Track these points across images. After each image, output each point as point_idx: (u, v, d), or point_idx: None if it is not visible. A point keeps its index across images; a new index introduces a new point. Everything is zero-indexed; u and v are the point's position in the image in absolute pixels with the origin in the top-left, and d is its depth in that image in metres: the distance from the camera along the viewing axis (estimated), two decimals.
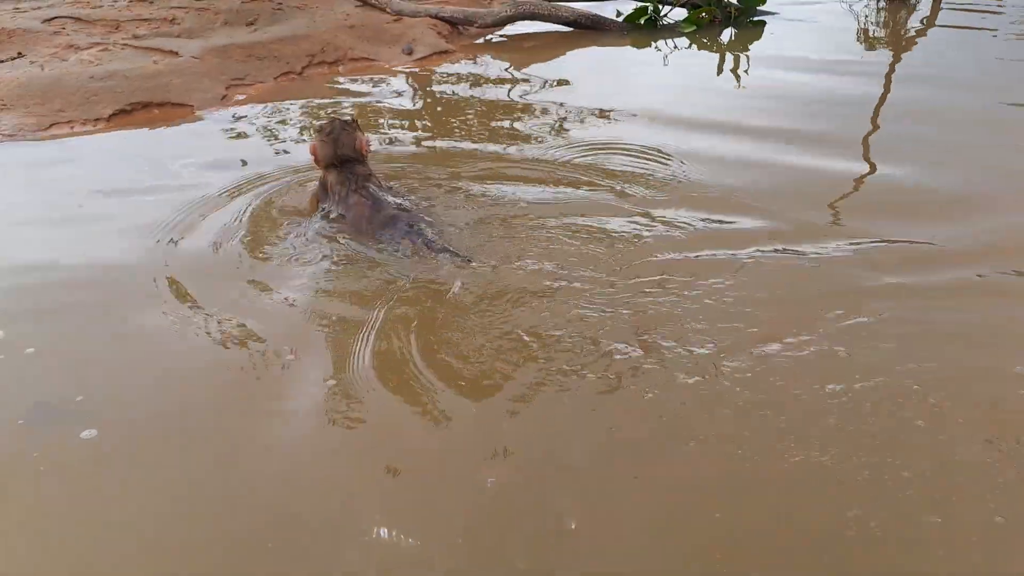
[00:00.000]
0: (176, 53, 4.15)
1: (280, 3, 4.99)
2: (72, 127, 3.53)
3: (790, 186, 2.62)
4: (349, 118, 2.71)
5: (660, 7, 4.86)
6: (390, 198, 2.49)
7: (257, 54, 4.19)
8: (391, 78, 4.11)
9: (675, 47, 4.60)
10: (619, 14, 5.11)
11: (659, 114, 3.40)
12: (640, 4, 4.87)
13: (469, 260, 2.18)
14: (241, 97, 3.86)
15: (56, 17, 4.76)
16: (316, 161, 2.61)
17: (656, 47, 4.60)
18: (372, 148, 2.71)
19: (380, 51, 4.43)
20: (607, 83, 3.99)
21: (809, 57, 4.19)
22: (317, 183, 2.64)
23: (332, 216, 2.48)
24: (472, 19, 4.80)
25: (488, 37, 4.90)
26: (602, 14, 4.87)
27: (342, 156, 2.57)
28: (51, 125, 3.53)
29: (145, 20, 4.73)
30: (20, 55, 4.28)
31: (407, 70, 4.22)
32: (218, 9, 4.87)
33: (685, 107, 3.52)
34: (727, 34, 4.76)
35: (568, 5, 4.85)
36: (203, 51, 4.11)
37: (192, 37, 4.50)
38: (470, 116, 3.55)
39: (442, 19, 4.78)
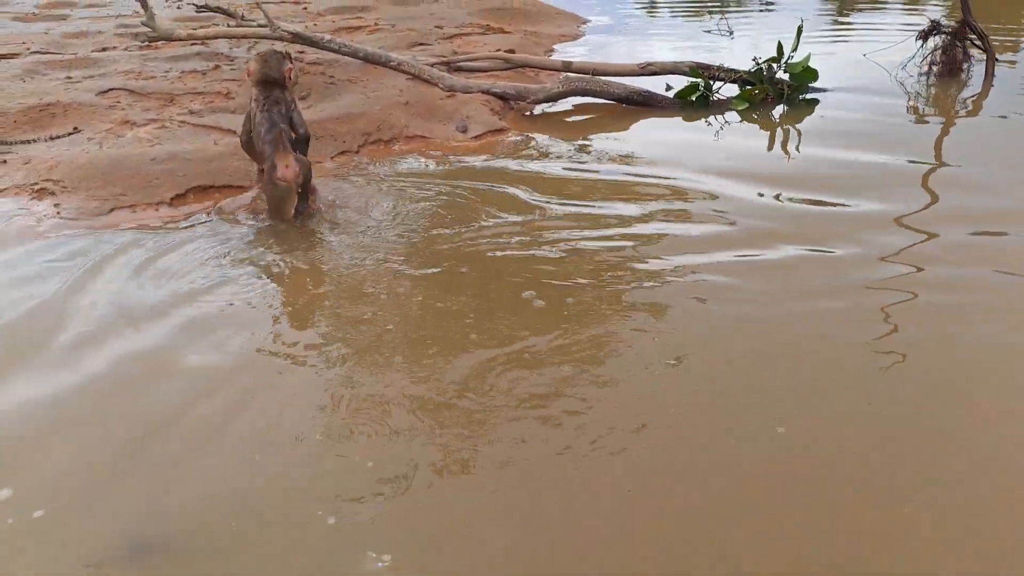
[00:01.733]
0: (234, 132, 4.14)
1: (332, 77, 5.01)
2: (134, 211, 3.52)
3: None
4: (283, 51, 3.48)
5: (711, 83, 4.85)
6: (283, 124, 3.27)
7: (314, 133, 4.17)
8: (450, 156, 4.09)
9: (726, 122, 4.58)
10: (668, 88, 5.10)
11: (720, 173, 3.38)
12: (691, 81, 4.86)
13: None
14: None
15: (110, 89, 4.79)
16: (248, 75, 3.37)
17: (708, 122, 4.58)
18: (295, 76, 3.42)
19: (435, 128, 4.43)
20: (668, 154, 3.96)
21: (860, 132, 4.19)
22: None
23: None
24: (524, 95, 4.80)
25: (537, 112, 4.88)
26: (652, 90, 4.86)
27: (267, 75, 3.31)
28: (112, 209, 3.51)
29: (199, 94, 4.75)
30: (76, 130, 4.29)
31: (464, 147, 4.20)
32: None
33: (745, 170, 3.48)
34: (780, 111, 4.74)
35: (619, 82, 4.85)
36: None
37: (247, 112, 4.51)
38: (537, 192, 3.51)
39: (494, 95, 4.77)
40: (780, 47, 4.79)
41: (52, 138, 4.19)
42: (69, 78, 5.12)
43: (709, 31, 6.74)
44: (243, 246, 3.14)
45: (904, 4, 9.38)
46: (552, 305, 2.61)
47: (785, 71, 4.82)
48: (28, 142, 4.16)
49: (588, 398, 2.12)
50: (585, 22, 7.33)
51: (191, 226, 3.33)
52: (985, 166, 3.76)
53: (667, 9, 9.91)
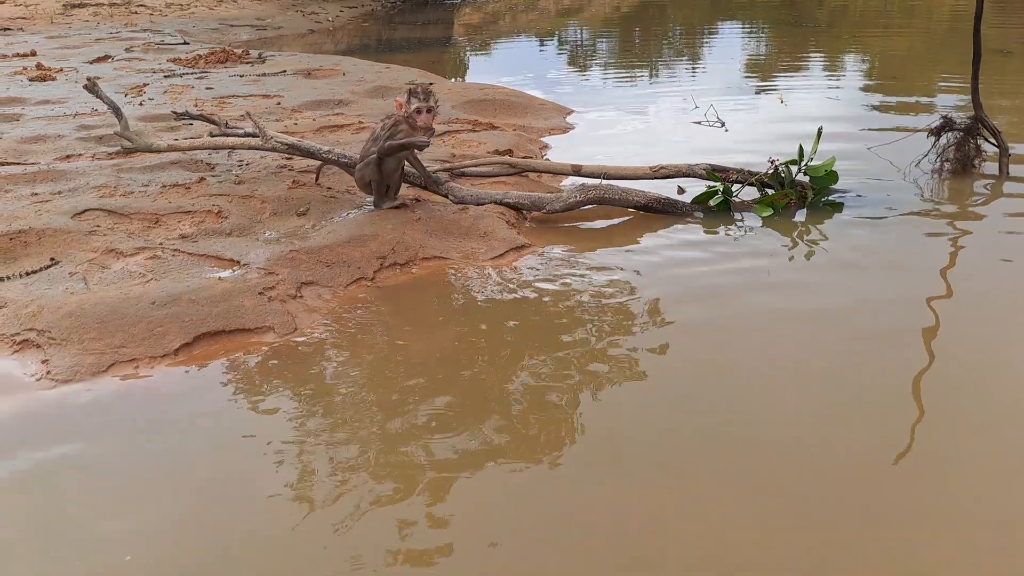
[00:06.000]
0: (237, 262, 3.76)
1: (330, 188, 4.68)
2: (136, 367, 3.10)
3: None
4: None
5: (731, 188, 4.66)
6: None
7: (325, 259, 3.82)
8: (481, 284, 3.76)
9: (748, 230, 4.38)
10: (681, 191, 4.91)
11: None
12: (709, 186, 4.67)
13: None
14: (322, 320, 3.45)
15: (86, 211, 4.36)
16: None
17: (732, 235, 4.36)
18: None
19: (451, 247, 4.11)
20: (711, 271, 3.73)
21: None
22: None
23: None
24: (540, 205, 4.53)
25: (545, 218, 4.59)
26: (673, 197, 4.66)
27: None
28: (111, 365, 3.09)
29: (187, 213, 4.35)
30: (53, 261, 3.86)
31: (491, 271, 3.88)
32: (264, 197, 4.52)
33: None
34: (804, 219, 4.55)
35: (638, 189, 4.62)
36: (269, 261, 3.73)
37: (244, 234, 4.14)
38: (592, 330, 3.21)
39: (508, 205, 4.49)
40: (801, 150, 4.64)
41: (28, 273, 3.75)
42: (35, 195, 4.67)
43: (699, 122, 6.62)
44: None
45: (825, 69, 9.63)
46: None
47: (805, 173, 4.66)
48: (1, 280, 3.70)
49: None
50: (570, 112, 7.16)
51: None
52: None
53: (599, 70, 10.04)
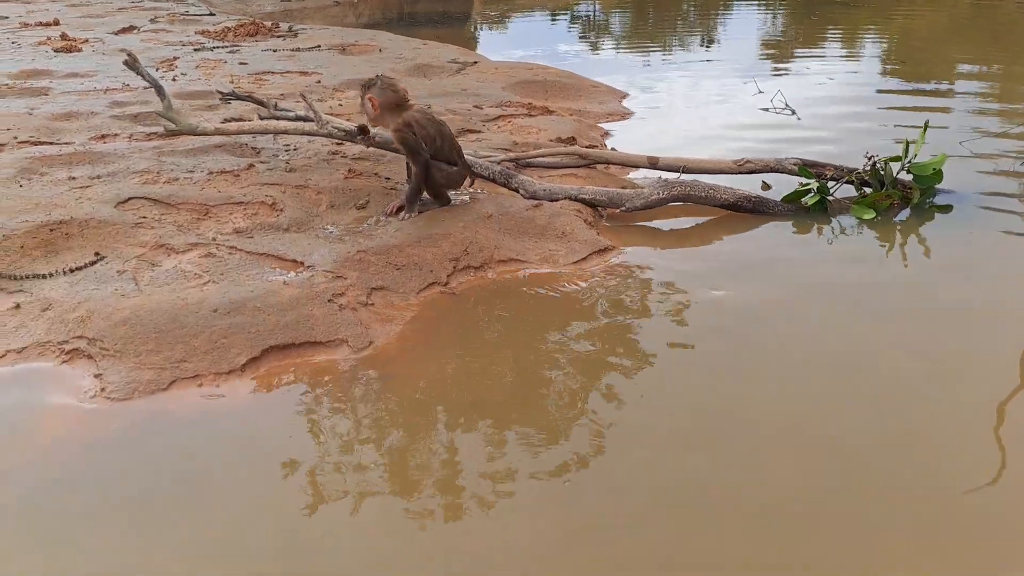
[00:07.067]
0: (301, 263, 3.43)
1: (389, 179, 4.33)
2: (200, 384, 2.77)
3: None
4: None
5: (827, 185, 4.28)
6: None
7: (395, 262, 3.48)
8: (565, 293, 3.42)
9: (851, 234, 4.02)
10: (766, 187, 4.55)
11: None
12: (803, 183, 4.29)
13: None
14: (398, 332, 3.11)
15: (130, 199, 4.03)
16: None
17: (836, 240, 3.99)
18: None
19: (527, 248, 3.76)
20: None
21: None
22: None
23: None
24: (618, 202, 4.17)
25: (634, 222, 4.21)
26: (764, 195, 4.29)
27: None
28: (172, 382, 2.77)
29: (239, 204, 4.01)
30: (99, 256, 3.53)
31: (575, 278, 3.54)
32: (319, 188, 4.18)
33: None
34: (912, 223, 4.16)
35: (724, 185, 4.25)
36: (336, 263, 3.39)
37: (303, 230, 3.80)
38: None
39: (583, 202, 4.13)
40: (907, 146, 4.25)
41: (72, 270, 3.42)
42: (72, 179, 4.34)
43: (767, 109, 6.23)
44: None
45: (841, 49, 9.28)
46: None
47: (908, 171, 4.28)
48: (43, 276, 3.38)
49: None
50: (625, 96, 6.76)
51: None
52: None
53: (642, 49, 9.70)
